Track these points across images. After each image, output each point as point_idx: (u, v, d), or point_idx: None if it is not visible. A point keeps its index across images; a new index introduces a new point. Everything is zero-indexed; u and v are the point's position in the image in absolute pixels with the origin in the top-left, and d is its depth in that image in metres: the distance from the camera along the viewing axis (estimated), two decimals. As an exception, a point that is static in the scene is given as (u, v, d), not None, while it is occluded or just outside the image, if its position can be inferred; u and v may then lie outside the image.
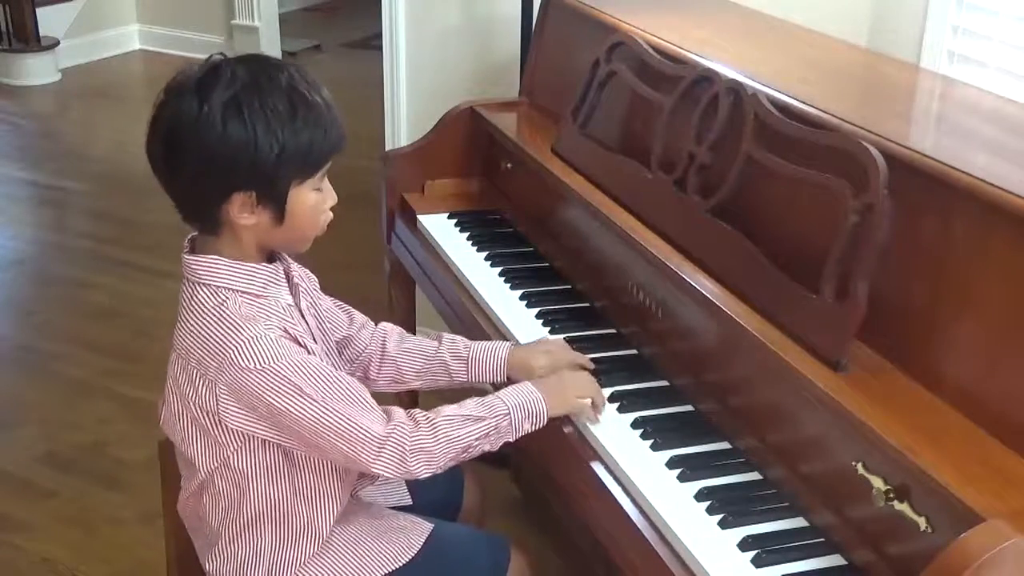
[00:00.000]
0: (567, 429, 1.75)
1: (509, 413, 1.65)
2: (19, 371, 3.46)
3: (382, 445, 1.55)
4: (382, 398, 1.66)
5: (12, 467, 2.96)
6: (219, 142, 1.47)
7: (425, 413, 1.62)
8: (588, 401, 1.74)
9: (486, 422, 1.63)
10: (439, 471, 1.62)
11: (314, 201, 1.57)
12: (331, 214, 1.62)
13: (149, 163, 1.54)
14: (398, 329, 1.88)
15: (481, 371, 1.84)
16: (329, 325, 1.77)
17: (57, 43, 6.22)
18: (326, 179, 1.59)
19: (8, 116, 5.73)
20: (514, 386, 1.71)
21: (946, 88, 2.18)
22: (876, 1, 2.62)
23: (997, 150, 1.71)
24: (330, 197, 1.60)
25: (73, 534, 2.71)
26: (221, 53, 1.55)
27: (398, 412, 1.60)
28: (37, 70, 6.13)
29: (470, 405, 1.65)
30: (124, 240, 4.32)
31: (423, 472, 1.60)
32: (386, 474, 1.58)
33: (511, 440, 1.67)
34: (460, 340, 1.87)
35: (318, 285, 1.76)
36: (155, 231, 4.25)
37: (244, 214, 1.52)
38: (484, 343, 1.87)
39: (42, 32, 6.12)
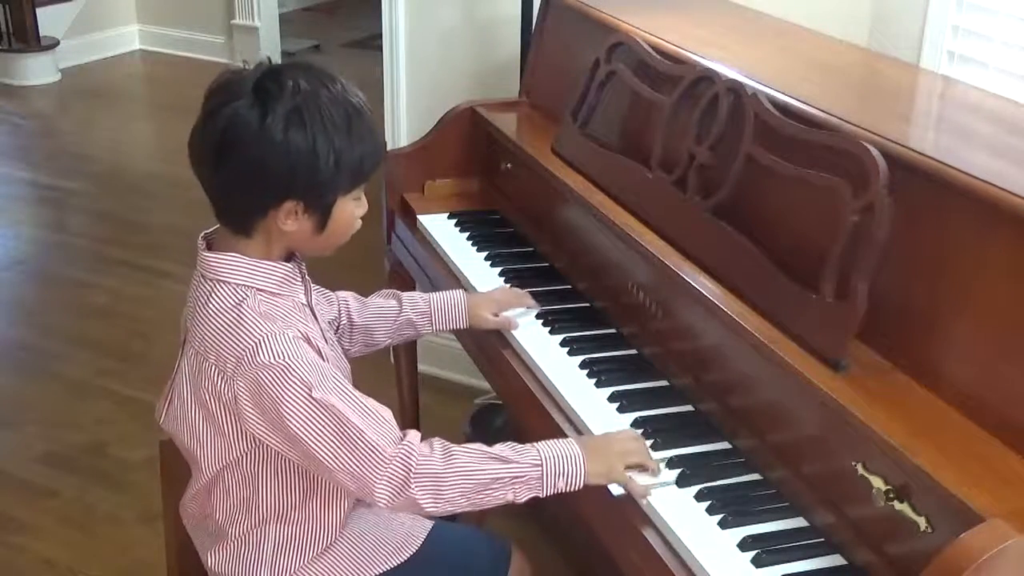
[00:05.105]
0: (567, 429, 1.74)
1: (541, 464, 1.54)
2: (19, 371, 3.46)
3: (388, 463, 1.48)
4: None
5: (12, 467, 2.97)
6: (279, 151, 1.46)
7: (443, 441, 1.55)
8: (634, 471, 1.58)
9: (511, 466, 1.53)
10: (449, 509, 1.53)
11: (352, 211, 1.59)
12: (360, 223, 1.62)
13: (190, 160, 1.53)
14: (351, 295, 1.93)
15: (443, 320, 1.96)
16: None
17: (57, 43, 6.21)
18: (362, 189, 1.61)
19: (8, 116, 5.73)
20: (555, 440, 1.59)
21: (946, 88, 2.18)
22: (876, 1, 2.61)
23: (997, 150, 1.71)
24: (363, 207, 1.62)
25: (73, 534, 2.72)
26: (269, 57, 1.56)
27: (412, 434, 1.53)
28: (37, 70, 6.13)
29: (500, 446, 1.56)
30: (124, 240, 4.32)
31: (428, 502, 1.50)
32: (387, 499, 1.49)
33: (540, 496, 1.55)
34: (418, 296, 1.98)
35: None
36: (155, 231, 4.25)
37: (288, 221, 1.53)
38: (440, 294, 1.99)
39: (42, 32, 6.12)
